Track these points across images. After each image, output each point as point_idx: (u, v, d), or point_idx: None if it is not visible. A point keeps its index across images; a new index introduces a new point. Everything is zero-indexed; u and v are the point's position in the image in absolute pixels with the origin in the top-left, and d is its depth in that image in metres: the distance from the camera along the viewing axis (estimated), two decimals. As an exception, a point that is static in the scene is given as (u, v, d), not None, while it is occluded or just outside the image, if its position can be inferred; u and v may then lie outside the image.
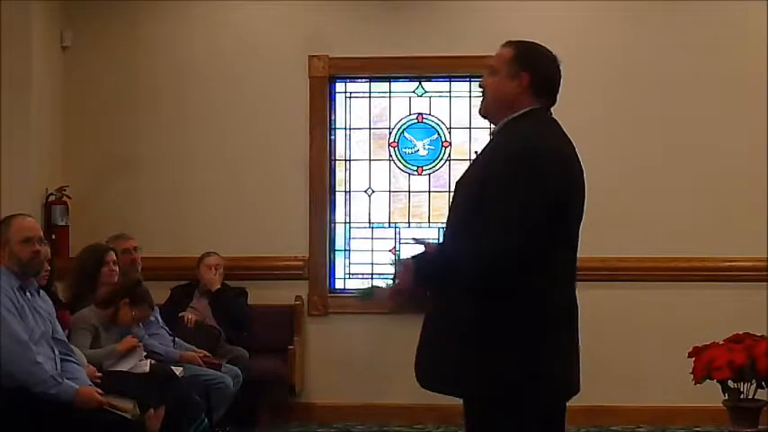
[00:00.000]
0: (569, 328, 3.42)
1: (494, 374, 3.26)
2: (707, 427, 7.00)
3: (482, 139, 7.19)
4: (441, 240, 3.66)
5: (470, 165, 3.56)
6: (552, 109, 3.53)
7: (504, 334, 3.26)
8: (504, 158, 3.30)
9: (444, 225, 3.61)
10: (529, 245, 3.21)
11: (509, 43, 3.52)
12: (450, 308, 3.35)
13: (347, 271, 7.66)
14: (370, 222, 7.66)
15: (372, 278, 7.59)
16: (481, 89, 3.53)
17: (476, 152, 3.60)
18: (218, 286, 6.97)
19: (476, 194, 3.32)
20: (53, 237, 6.92)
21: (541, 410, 3.35)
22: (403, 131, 7.64)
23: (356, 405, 7.31)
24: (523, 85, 3.42)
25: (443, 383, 3.39)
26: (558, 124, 3.48)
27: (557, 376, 3.34)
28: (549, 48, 3.57)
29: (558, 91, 3.51)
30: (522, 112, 3.43)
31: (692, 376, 5.70)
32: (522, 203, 3.21)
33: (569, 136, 3.47)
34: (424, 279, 3.36)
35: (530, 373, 3.27)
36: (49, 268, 5.64)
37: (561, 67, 3.52)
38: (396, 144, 7.64)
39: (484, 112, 3.55)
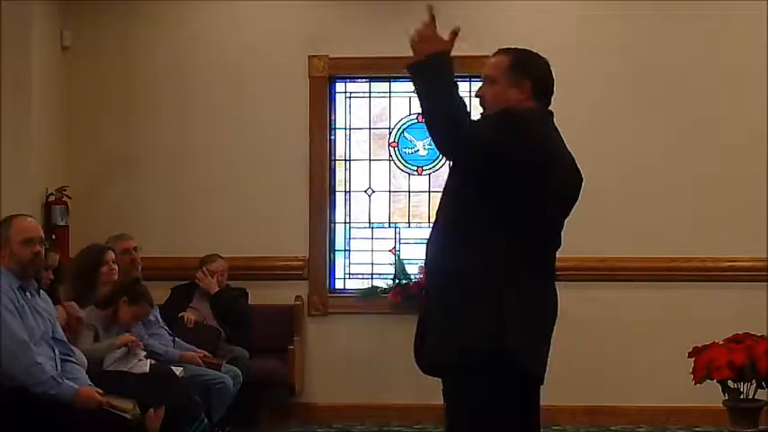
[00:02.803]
0: (541, 314, 3.45)
1: (461, 347, 3.36)
2: (707, 427, 7.00)
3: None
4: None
5: None
6: (553, 109, 3.56)
7: (470, 306, 3.35)
8: (490, 124, 3.43)
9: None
10: (473, 145, 3.31)
11: (502, 51, 3.59)
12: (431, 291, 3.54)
13: (347, 271, 7.66)
14: (370, 222, 7.66)
15: (372, 278, 7.60)
16: (479, 99, 3.59)
17: None
18: (217, 289, 6.97)
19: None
20: (53, 237, 6.91)
21: (506, 387, 3.38)
22: (403, 131, 7.64)
23: (356, 405, 7.31)
24: (526, 92, 3.50)
25: (427, 360, 3.51)
26: (553, 123, 3.54)
27: (519, 354, 3.36)
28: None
29: (553, 93, 3.58)
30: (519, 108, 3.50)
31: (691, 376, 5.70)
32: (488, 133, 3.33)
33: (569, 137, 3.51)
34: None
35: (491, 347, 3.32)
36: (52, 277, 5.64)
37: (556, 69, 3.59)
38: (396, 144, 7.64)
39: None
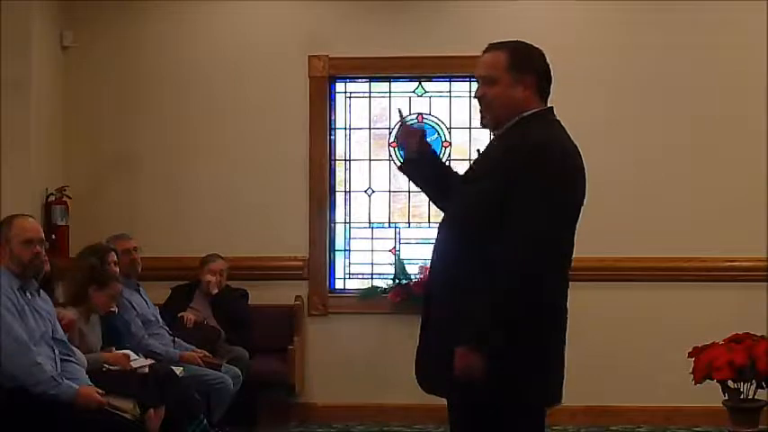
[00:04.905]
0: (559, 336, 3.38)
1: (492, 378, 3.23)
2: (707, 427, 7.00)
3: (482, 139, 7.17)
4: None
5: (475, 162, 3.50)
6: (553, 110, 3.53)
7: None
8: (530, 163, 3.23)
9: (441, 221, 3.59)
10: (549, 266, 3.24)
11: (495, 47, 3.42)
12: (453, 315, 3.31)
13: (347, 271, 7.65)
14: (370, 222, 7.66)
15: (372, 278, 7.60)
16: (479, 101, 3.43)
17: (477, 150, 3.54)
18: (217, 290, 6.97)
19: (488, 190, 3.27)
20: (53, 237, 6.92)
21: (525, 415, 3.35)
22: (403, 131, 7.62)
23: (356, 405, 7.31)
24: (530, 87, 3.36)
25: (439, 386, 3.47)
26: (562, 126, 3.44)
27: (544, 382, 3.33)
28: (548, 46, 3.53)
29: (551, 83, 3.47)
30: (532, 112, 3.37)
31: (691, 376, 5.69)
32: (552, 223, 3.21)
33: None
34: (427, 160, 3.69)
35: (518, 378, 3.25)
36: (48, 268, 5.62)
37: (556, 69, 3.48)
38: (396, 144, 7.64)
39: (492, 125, 3.43)
